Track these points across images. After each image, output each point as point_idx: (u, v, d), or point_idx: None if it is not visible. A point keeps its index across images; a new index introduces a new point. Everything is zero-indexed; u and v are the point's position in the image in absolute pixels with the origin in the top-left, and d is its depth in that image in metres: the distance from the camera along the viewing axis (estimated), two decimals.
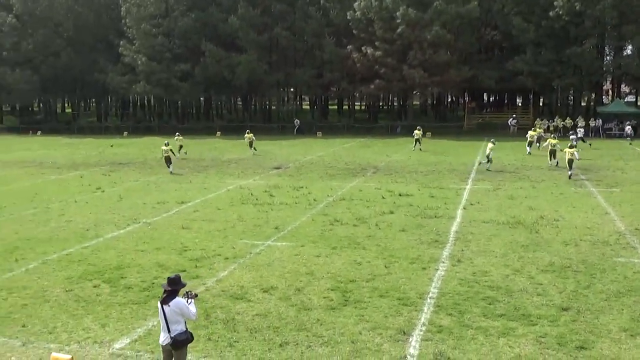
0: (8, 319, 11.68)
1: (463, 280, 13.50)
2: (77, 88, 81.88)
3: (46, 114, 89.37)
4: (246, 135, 45.46)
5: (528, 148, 39.42)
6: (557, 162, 32.34)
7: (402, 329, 10.84)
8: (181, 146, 42.18)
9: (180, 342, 8.41)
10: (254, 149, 43.47)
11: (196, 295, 8.74)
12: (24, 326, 11.31)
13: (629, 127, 49.00)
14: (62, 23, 76.04)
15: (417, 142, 43.65)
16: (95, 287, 13.47)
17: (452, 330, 10.73)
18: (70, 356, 9.00)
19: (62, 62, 74.39)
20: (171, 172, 33.04)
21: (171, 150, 34.41)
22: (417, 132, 44.19)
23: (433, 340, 10.35)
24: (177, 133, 46.84)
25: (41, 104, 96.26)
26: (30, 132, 72.35)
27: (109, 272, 14.49)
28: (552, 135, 33.43)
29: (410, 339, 10.41)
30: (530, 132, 41.72)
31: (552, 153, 32.79)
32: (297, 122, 66.58)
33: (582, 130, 47.92)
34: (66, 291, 13.20)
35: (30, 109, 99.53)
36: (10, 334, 10.95)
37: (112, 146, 50.96)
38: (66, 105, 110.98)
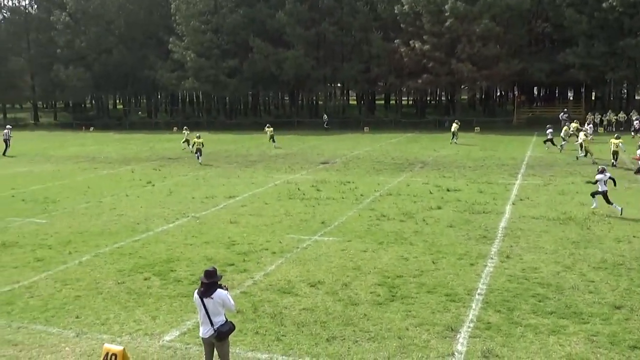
0: (62, 310, 11.98)
1: (512, 276, 13.30)
2: (128, 84, 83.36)
3: (98, 110, 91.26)
4: (266, 129, 47.66)
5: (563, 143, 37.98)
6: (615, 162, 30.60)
7: (449, 325, 10.75)
8: (187, 140, 44.78)
9: (225, 333, 8.49)
10: (274, 141, 45.52)
11: (227, 288, 8.76)
12: (77, 317, 11.59)
13: None
14: (113, 21, 77.54)
15: (454, 135, 44.16)
16: (145, 279, 13.72)
17: (501, 327, 10.59)
18: (122, 347, 9.18)
19: (114, 59, 75.84)
20: (200, 163, 35.23)
21: (202, 143, 36.77)
22: (455, 125, 44.80)
23: (481, 337, 10.23)
24: (185, 127, 49.69)
25: (93, 101, 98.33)
26: (83, 128, 74.00)
27: (159, 265, 14.74)
28: (616, 135, 32.13)
29: (458, 336, 10.32)
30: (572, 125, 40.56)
31: (615, 154, 30.79)
32: (325, 117, 66.76)
33: (638, 122, 46.32)
34: (118, 283, 13.48)
35: (83, 105, 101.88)
36: (65, 325, 11.22)
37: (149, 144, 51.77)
38: (117, 101, 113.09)
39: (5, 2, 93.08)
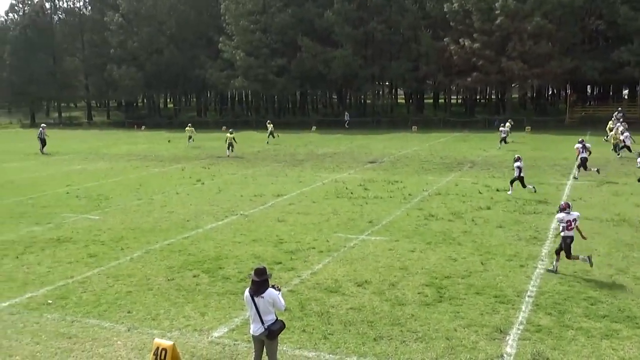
0: (114, 305, 12.25)
1: (563, 279, 13.06)
2: (179, 84, 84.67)
3: (150, 109, 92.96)
4: (267, 124, 52.17)
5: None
6: None
7: (498, 327, 10.62)
8: (190, 136, 49.32)
9: (276, 332, 8.55)
10: (273, 137, 50.03)
11: (279, 289, 8.80)
12: (129, 312, 11.83)
13: None
14: (165, 21, 78.87)
15: (503, 141, 41.11)
16: (195, 276, 13.91)
17: (552, 330, 10.42)
18: (172, 342, 9.33)
19: (165, 59, 77.15)
20: (228, 156, 39.06)
21: (234, 138, 40.74)
22: (505, 127, 42.14)
23: (531, 339, 10.08)
24: (189, 124, 53.76)
25: (145, 100, 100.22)
26: (135, 126, 75.43)
27: (208, 263, 14.93)
28: None
29: (507, 338, 10.19)
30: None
31: None
32: (347, 115, 67.36)
33: None
34: (168, 280, 13.71)
35: (135, 104, 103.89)
36: (117, 320, 11.47)
37: (169, 141, 53.16)
38: (168, 100, 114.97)
39: (61, 4, 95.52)
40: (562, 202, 14.18)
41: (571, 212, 13.66)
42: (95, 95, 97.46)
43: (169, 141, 53.58)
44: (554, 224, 18.00)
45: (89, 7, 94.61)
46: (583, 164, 27.00)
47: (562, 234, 13.55)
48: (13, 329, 11.12)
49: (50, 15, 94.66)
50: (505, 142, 39.92)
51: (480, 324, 10.79)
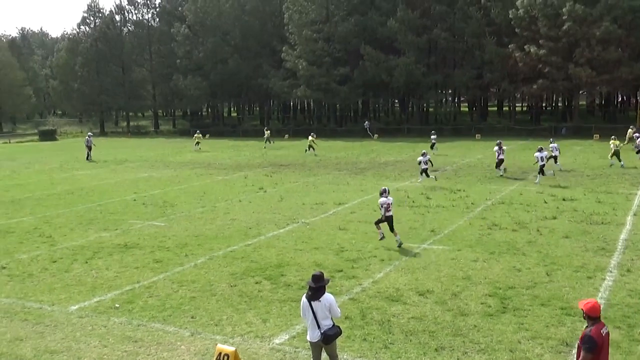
0: (179, 310, 12.49)
1: (633, 291, 12.63)
2: (242, 93, 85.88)
3: (214, 118, 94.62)
4: (265, 131, 59.12)
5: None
6: None
7: (564, 340, 10.35)
8: (198, 142, 55.18)
9: (332, 337, 8.62)
10: (270, 142, 55.99)
11: None
12: (192, 317, 12.04)
13: None
14: (229, 31, 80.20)
15: (616, 156, 33.73)
16: (257, 283, 14.06)
17: (620, 344, 10.08)
18: (234, 348, 9.44)
19: (229, 69, 78.39)
20: (306, 151, 46.18)
21: (313, 141, 47.16)
22: (614, 142, 33.99)
23: None
24: (197, 131, 59.45)
25: (209, 109, 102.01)
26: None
27: (270, 270, 15.06)
28: None
29: (574, 351, 9.90)
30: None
31: None
32: (366, 123, 67.78)
33: None
34: (231, 286, 13.88)
35: (199, 113, 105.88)
36: (181, 324, 11.69)
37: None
38: (232, 109, 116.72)
39: (130, 17, 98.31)
40: (382, 188, 17.63)
41: (388, 197, 17.18)
42: (161, 105, 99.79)
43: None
44: (623, 235, 17.48)
45: (157, 19, 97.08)
46: (498, 164, 31.47)
47: (385, 214, 16.98)
48: (82, 331, 11.47)
49: (120, 27, 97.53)
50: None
51: (545, 336, 10.54)
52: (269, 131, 58.65)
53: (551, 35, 56.71)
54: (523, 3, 58.51)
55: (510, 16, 60.16)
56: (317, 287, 8.58)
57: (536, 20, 58.06)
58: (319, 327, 8.56)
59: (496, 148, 31.44)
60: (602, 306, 11.58)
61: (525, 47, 59.23)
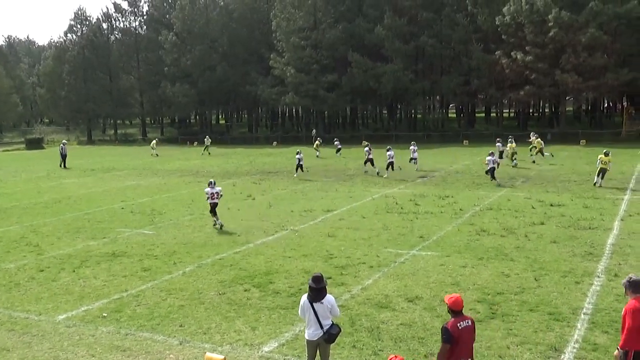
0: (167, 318, 12.42)
1: (620, 296, 12.66)
2: (230, 100, 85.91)
3: (202, 126, 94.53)
4: (206, 140, 61.39)
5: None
6: None
7: (553, 345, 10.37)
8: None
9: (334, 335, 8.78)
10: (208, 152, 58.24)
11: None
12: (181, 326, 11.97)
13: None
14: (217, 39, 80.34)
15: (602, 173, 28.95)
16: (246, 291, 14.01)
17: (609, 349, 10.11)
18: (223, 357, 9.40)
19: (217, 76, 78.46)
20: (340, 155, 49.98)
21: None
22: (604, 158, 28.79)
23: (587, 358, 9.83)
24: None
25: (198, 116, 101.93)
26: (188, 142, 76.68)
27: (259, 277, 15.02)
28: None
29: (562, 356, 9.94)
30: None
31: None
32: (314, 132, 70.26)
33: None
34: (219, 294, 13.83)
35: (187, 121, 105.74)
36: (169, 333, 11.63)
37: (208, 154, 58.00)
38: (220, 116, 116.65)
39: (117, 24, 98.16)
40: (210, 180, 22.06)
41: (215, 187, 21.31)
42: (149, 112, 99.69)
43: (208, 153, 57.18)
44: (610, 240, 17.58)
45: (144, 27, 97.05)
46: (369, 161, 36.19)
47: (209, 201, 21.16)
48: (69, 341, 11.38)
49: (107, 35, 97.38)
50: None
51: (534, 341, 10.56)
52: (210, 140, 62.16)
53: (537, 42, 57.16)
54: (509, 10, 58.97)
55: (496, 23, 60.63)
56: (318, 288, 8.70)
57: (522, 26, 58.53)
58: (321, 326, 8.68)
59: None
60: (589, 311, 11.68)
61: (512, 53, 59.67)
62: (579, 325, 11.22)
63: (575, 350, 10.16)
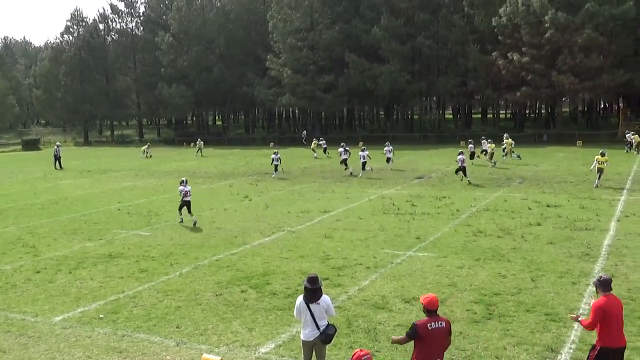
0: (164, 319, 12.41)
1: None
2: (227, 101, 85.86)
3: (199, 127, 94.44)
4: (198, 142, 61.36)
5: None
6: None
7: (549, 345, 10.39)
8: (145, 151, 59.10)
9: (331, 335, 8.78)
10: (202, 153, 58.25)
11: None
12: (178, 327, 11.96)
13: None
14: (214, 40, 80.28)
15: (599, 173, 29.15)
16: (242, 292, 14.01)
17: None
18: (219, 358, 9.40)
19: (214, 77, 78.38)
20: (326, 150, 51.41)
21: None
22: (600, 158, 29.21)
23: (583, 359, 9.83)
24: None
25: (194, 117, 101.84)
26: (184, 143, 76.53)
27: (256, 278, 15.01)
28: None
29: (559, 357, 9.96)
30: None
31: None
32: (304, 133, 71.03)
33: None
34: (216, 295, 13.82)
35: (184, 122, 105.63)
36: (166, 334, 11.62)
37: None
38: (217, 118, 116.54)
39: (114, 25, 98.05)
40: (182, 178, 23.37)
41: (186, 186, 22.51)
42: (146, 113, 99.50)
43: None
44: (606, 241, 17.61)
45: (141, 28, 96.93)
46: (343, 162, 38.04)
47: (183, 199, 22.45)
48: (66, 342, 11.37)
49: (104, 36, 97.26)
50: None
51: (530, 342, 10.58)
52: (202, 141, 62.21)
53: (534, 43, 57.23)
54: (506, 11, 59.04)
55: (493, 24, 60.68)
56: (314, 289, 8.70)
57: (519, 28, 58.59)
58: (317, 326, 8.69)
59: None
60: (586, 312, 11.70)
61: (509, 54, 59.73)
62: (576, 325, 11.22)
63: (571, 350, 10.18)
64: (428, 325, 7.70)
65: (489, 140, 42.70)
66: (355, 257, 16.79)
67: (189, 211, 22.49)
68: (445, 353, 8.16)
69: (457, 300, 12.84)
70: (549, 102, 71.91)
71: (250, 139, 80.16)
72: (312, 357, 8.99)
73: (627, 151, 45.41)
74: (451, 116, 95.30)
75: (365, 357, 7.04)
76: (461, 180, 31.67)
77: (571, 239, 18.00)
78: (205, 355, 9.59)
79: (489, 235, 18.84)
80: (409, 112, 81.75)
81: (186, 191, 22.41)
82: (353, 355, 7.15)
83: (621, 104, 72.57)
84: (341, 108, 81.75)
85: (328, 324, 8.83)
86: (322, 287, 8.86)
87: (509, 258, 16.07)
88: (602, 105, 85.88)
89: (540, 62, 57.48)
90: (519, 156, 42.19)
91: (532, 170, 36.29)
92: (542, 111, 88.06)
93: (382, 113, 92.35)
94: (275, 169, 37.83)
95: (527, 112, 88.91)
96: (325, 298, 8.82)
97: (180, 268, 16.27)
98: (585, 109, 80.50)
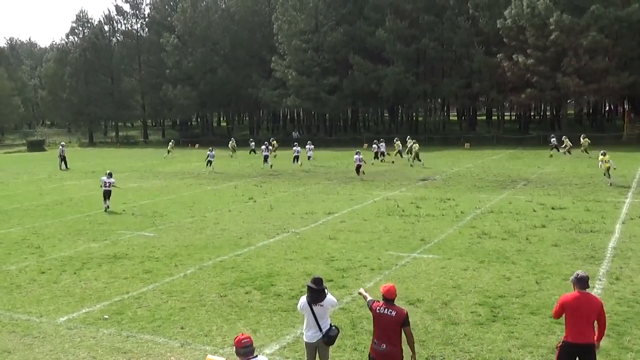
0: (168, 320, 12.42)
1: (622, 299, 12.68)
2: (232, 102, 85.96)
3: (203, 128, 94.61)
4: (169, 146, 61.60)
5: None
6: None
7: (554, 348, 10.34)
8: (169, 151, 59.28)
9: (333, 337, 8.74)
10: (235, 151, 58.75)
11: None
12: (182, 328, 11.97)
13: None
14: (219, 41, 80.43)
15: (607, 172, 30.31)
16: (247, 293, 14.01)
17: (610, 352, 10.10)
18: (224, 359, 9.40)
19: (219, 78, 78.51)
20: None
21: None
22: (603, 158, 30.90)
23: None
24: (171, 140, 64.26)
25: (199, 119, 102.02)
26: (189, 145, 76.65)
27: (260, 280, 15.01)
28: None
29: None
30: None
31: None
32: (295, 134, 72.54)
33: None
34: (220, 296, 13.83)
35: (189, 123, 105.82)
36: (170, 335, 11.63)
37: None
38: (222, 119, 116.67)
39: (119, 27, 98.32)
40: (108, 171, 27.55)
41: (110, 178, 26.36)
42: (151, 115, 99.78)
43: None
44: (611, 243, 17.57)
45: (146, 29, 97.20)
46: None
47: (103, 188, 26.27)
48: (70, 343, 11.38)
49: (109, 37, 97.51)
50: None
51: (535, 344, 10.56)
52: (234, 141, 62.71)
53: (539, 45, 57.17)
54: (511, 13, 59.00)
55: (498, 26, 60.63)
56: (318, 290, 8.66)
57: (524, 30, 58.54)
58: (319, 327, 8.65)
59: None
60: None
61: (514, 56, 59.67)
62: None
63: None
64: (377, 308, 8.27)
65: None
66: (359, 258, 16.78)
67: (107, 198, 26.66)
68: (449, 355, 8.09)
69: (461, 303, 12.82)
70: (553, 104, 71.85)
71: (255, 140, 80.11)
72: (315, 359, 8.98)
73: (551, 156, 45.24)
74: (456, 118, 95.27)
75: (245, 340, 6.98)
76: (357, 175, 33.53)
77: (576, 242, 17.95)
78: (209, 356, 9.57)
79: (494, 237, 18.81)
80: (414, 114, 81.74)
81: (107, 182, 26.39)
82: (235, 339, 7.10)
83: (626, 106, 72.46)
84: (346, 110, 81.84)
85: (331, 326, 8.78)
86: (326, 290, 8.81)
87: (513, 260, 16.04)
88: (607, 108, 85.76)
89: (545, 64, 57.42)
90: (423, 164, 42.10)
91: (536, 172, 36.23)
92: (547, 113, 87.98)
93: (387, 115, 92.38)
94: (208, 165, 42.85)
95: (532, 114, 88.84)
96: (329, 298, 8.77)
97: (185, 269, 16.28)
98: (591, 111, 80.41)
